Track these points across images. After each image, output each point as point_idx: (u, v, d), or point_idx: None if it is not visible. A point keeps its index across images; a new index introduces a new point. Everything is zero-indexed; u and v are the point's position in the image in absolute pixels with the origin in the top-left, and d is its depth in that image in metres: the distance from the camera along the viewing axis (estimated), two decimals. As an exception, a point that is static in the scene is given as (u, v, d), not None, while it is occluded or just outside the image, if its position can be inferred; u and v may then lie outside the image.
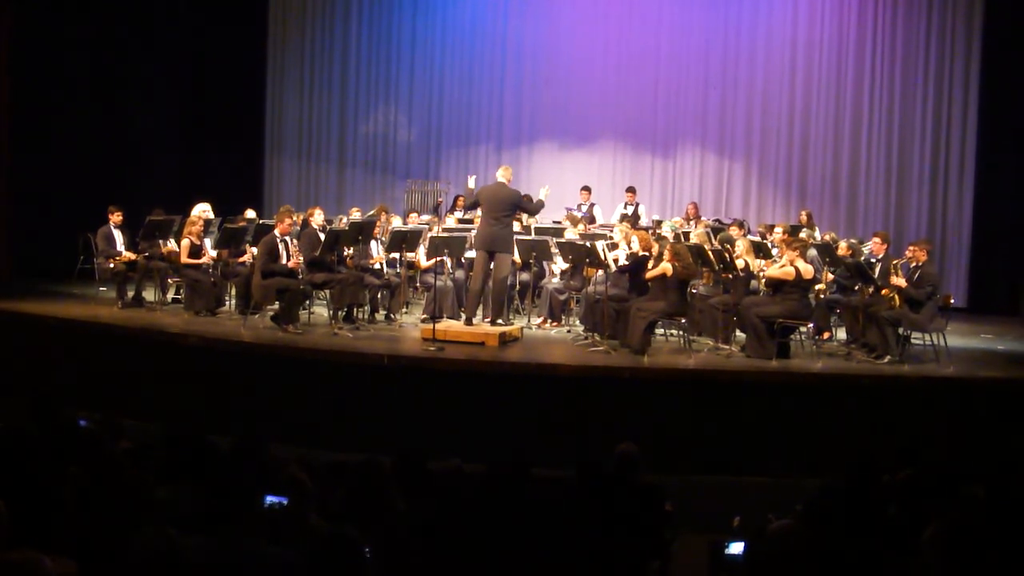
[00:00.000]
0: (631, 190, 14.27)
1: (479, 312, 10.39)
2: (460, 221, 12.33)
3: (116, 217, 11.09)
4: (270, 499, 4.21)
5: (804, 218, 13.11)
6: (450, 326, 9.73)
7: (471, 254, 10.65)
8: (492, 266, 10.08)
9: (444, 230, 11.53)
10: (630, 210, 13.82)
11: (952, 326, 9.98)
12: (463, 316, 10.22)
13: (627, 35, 15.61)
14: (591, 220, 13.11)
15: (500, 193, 10.06)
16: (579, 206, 13.80)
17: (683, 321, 9.56)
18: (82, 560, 3.23)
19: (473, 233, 10.70)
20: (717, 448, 8.26)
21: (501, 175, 10.24)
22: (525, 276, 11.36)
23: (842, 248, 10.84)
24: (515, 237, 10.93)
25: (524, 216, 13.13)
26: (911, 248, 9.67)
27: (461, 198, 13.52)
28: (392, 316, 10.85)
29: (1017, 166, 13.68)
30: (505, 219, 10.05)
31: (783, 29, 15.06)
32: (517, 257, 11.00)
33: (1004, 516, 4.06)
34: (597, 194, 14.49)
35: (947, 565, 3.53)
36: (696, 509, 6.10)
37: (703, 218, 13.61)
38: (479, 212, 10.63)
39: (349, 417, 8.64)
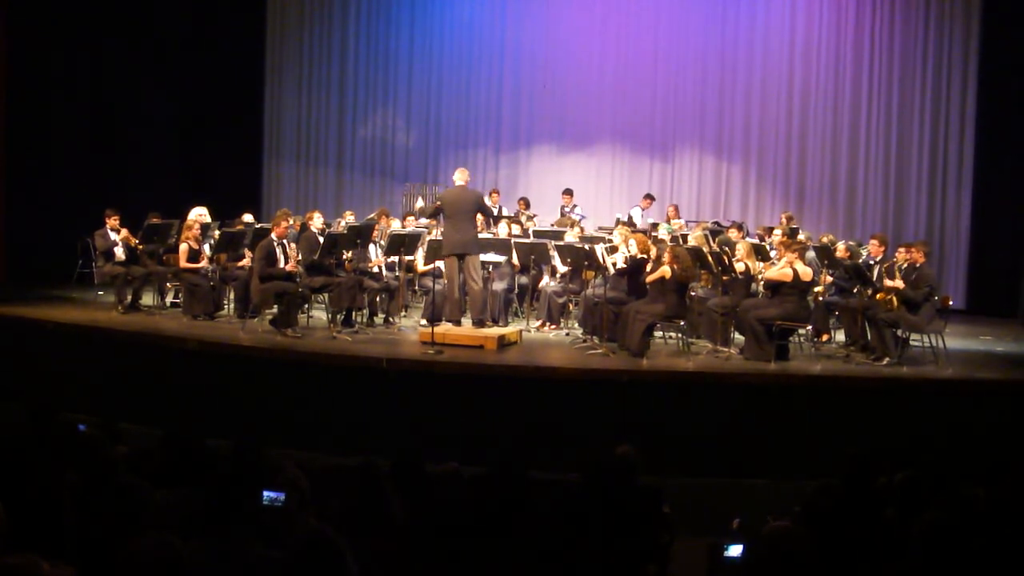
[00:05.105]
0: (649, 197, 14.27)
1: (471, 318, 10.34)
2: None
3: (113, 221, 11.08)
4: (268, 495, 4.21)
5: (784, 221, 12.62)
6: (449, 329, 9.72)
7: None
8: (465, 270, 9.95)
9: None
10: (648, 215, 13.78)
11: (951, 328, 9.99)
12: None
13: (625, 38, 15.62)
14: (581, 221, 13.14)
15: (464, 196, 9.99)
16: (562, 208, 13.83)
17: (682, 324, 9.57)
18: (81, 565, 3.23)
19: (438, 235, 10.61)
20: (716, 450, 8.27)
21: (460, 179, 10.13)
22: (524, 279, 11.36)
23: (840, 250, 10.84)
24: (514, 241, 10.96)
25: (523, 219, 13.18)
26: (901, 249, 9.67)
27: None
28: (391, 319, 10.84)
29: (1015, 167, 13.68)
30: (472, 222, 10.00)
31: (781, 32, 15.07)
32: (516, 260, 11.01)
33: (1002, 517, 4.07)
34: (595, 197, 14.52)
35: (937, 560, 3.54)
36: (695, 511, 6.10)
37: (680, 220, 13.57)
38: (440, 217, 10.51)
39: (347, 420, 8.65)
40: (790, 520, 4.28)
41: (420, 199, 10.96)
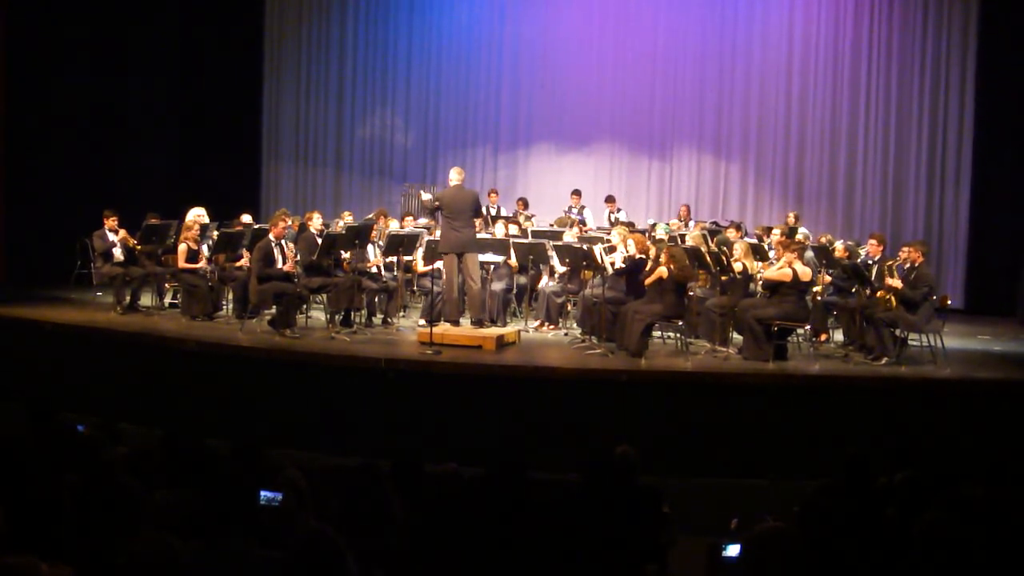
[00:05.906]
0: (610, 199, 14.29)
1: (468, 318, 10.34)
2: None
3: (111, 221, 11.07)
4: (265, 494, 4.21)
5: (792, 220, 12.92)
6: (447, 330, 9.72)
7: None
8: (463, 270, 9.93)
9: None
10: (614, 218, 13.80)
11: (949, 327, 10.00)
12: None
13: (624, 38, 15.61)
14: (582, 224, 13.12)
15: (462, 195, 9.97)
16: (569, 209, 13.82)
17: (680, 324, 9.56)
18: (79, 566, 3.22)
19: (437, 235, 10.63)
20: (715, 450, 8.27)
21: (457, 178, 10.09)
22: (523, 279, 11.35)
23: (839, 250, 10.85)
24: (512, 241, 10.96)
25: (521, 219, 13.17)
26: (904, 249, 9.68)
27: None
28: (389, 320, 10.84)
29: (1013, 166, 13.69)
30: (470, 221, 9.97)
31: (779, 32, 15.06)
32: (513, 260, 11.00)
33: (1002, 517, 4.07)
34: (594, 197, 14.50)
35: (937, 560, 3.54)
36: (694, 511, 6.10)
37: (692, 220, 13.58)
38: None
39: (346, 421, 8.64)
40: (788, 520, 4.28)
41: (424, 192, 10.95)
